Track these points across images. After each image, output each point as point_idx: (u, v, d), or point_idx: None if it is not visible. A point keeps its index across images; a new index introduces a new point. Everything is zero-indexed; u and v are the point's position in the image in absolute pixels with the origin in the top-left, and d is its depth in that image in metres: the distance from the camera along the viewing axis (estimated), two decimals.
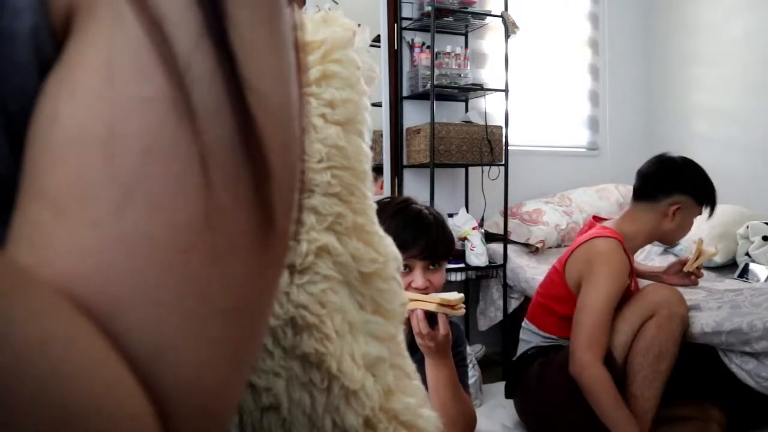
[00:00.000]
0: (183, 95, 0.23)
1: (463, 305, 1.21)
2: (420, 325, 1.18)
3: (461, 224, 2.72)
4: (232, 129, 0.24)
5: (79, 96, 0.23)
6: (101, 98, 0.23)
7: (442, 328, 1.19)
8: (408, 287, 1.26)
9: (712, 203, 1.92)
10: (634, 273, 1.96)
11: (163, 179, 0.23)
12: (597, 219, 2.11)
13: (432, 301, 1.19)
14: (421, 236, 1.26)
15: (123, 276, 0.23)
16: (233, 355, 0.26)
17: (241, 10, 0.25)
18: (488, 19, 2.86)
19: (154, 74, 0.23)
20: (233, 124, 0.24)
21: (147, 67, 0.23)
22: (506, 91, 2.75)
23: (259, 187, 0.25)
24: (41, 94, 0.24)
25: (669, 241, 2.01)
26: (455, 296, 1.21)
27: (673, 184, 1.91)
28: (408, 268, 1.29)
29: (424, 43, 2.86)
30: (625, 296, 1.86)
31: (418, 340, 1.20)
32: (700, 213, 1.94)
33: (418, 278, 1.27)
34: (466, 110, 3.02)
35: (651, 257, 2.81)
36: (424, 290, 1.27)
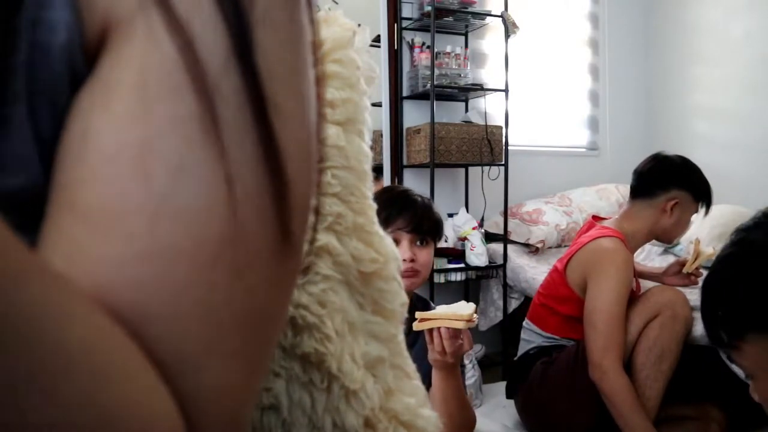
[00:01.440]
0: (212, 114, 0.24)
1: (476, 314, 1.20)
2: (446, 344, 1.15)
3: (461, 224, 2.72)
4: (255, 147, 0.25)
5: (113, 113, 0.24)
6: (135, 116, 0.24)
7: (467, 344, 1.18)
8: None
9: (708, 200, 1.93)
10: (635, 273, 1.96)
11: (193, 196, 0.24)
12: (596, 218, 2.11)
13: (460, 318, 1.15)
14: (407, 209, 1.28)
15: (152, 288, 0.24)
16: (252, 364, 0.27)
17: (265, 31, 0.26)
18: (488, 19, 2.86)
19: (185, 94, 0.24)
20: (257, 142, 0.25)
21: (179, 87, 0.24)
22: (506, 91, 2.75)
23: (279, 202, 0.26)
24: (74, 108, 0.25)
25: (668, 238, 2.01)
26: (468, 309, 1.19)
27: (670, 180, 1.91)
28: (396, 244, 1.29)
29: (424, 43, 2.86)
30: (629, 297, 1.86)
31: (434, 356, 1.18)
32: (697, 210, 1.94)
33: (404, 251, 1.26)
34: (466, 110, 3.02)
35: (651, 257, 2.80)
36: (410, 262, 1.27)
